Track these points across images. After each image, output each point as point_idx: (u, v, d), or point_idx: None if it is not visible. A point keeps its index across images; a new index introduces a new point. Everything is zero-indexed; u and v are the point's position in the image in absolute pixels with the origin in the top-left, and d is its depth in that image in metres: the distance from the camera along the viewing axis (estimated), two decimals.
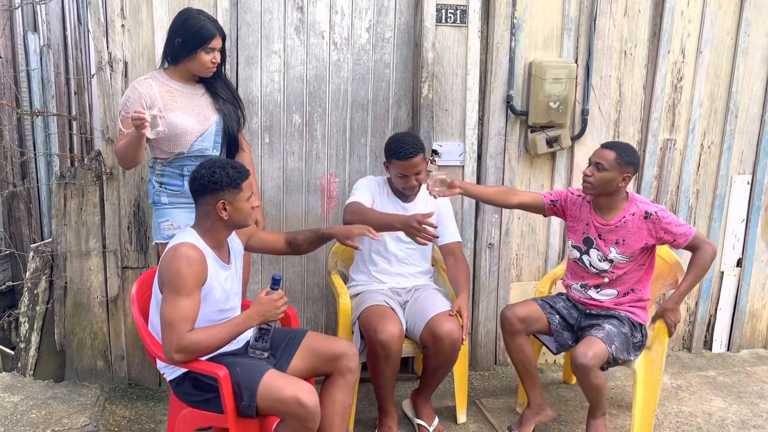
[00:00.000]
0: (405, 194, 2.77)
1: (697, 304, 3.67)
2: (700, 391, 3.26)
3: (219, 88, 2.54)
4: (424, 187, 2.85)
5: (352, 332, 2.70)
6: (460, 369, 2.78)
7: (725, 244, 3.63)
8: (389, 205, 2.76)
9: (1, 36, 3.41)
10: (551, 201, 2.77)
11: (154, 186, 2.52)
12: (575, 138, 3.26)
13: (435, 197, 2.61)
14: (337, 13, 3.04)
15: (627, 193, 2.64)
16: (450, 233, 2.84)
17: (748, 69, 3.43)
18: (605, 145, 2.60)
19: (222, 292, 2.15)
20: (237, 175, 2.07)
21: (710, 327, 3.73)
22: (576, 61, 3.19)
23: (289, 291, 3.20)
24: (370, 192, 2.74)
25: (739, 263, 3.67)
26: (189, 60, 2.43)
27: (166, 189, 2.50)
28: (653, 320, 2.65)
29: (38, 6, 3.78)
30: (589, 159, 2.61)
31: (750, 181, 3.59)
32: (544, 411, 2.72)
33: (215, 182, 2.04)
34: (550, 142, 3.17)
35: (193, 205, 2.16)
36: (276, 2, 2.98)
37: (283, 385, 1.99)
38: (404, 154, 2.62)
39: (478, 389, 3.20)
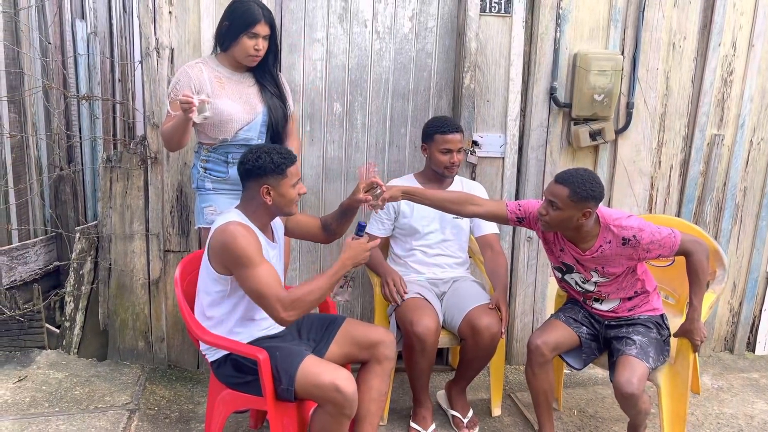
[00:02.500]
0: (445, 175, 2.76)
1: (741, 304, 3.58)
2: (742, 393, 3.18)
3: (267, 81, 2.54)
4: (458, 178, 2.83)
5: (389, 322, 2.70)
6: (496, 362, 2.76)
7: None
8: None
9: (51, 23, 3.48)
10: (517, 218, 2.48)
11: (198, 171, 2.55)
12: (619, 131, 3.20)
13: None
14: (380, 2, 3.03)
15: (597, 215, 2.35)
16: (487, 224, 2.82)
17: None
18: (558, 179, 2.29)
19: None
20: (282, 161, 2.08)
21: (754, 328, 3.64)
22: (622, 53, 3.12)
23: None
24: (394, 207, 2.78)
25: None
26: (234, 45, 2.44)
27: (210, 174, 2.54)
28: (676, 336, 2.46)
29: None
30: (543, 193, 2.38)
31: None
32: None
33: (260, 167, 2.06)
34: (593, 135, 3.12)
35: (237, 192, 2.19)
36: None
37: (321, 370, 2.01)
38: (447, 128, 2.70)
39: (513, 383, 3.18)
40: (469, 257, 2.96)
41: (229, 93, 2.47)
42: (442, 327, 2.68)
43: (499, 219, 2.53)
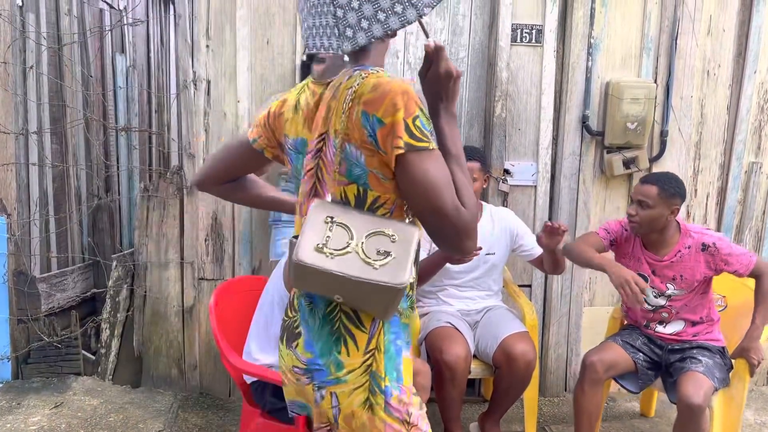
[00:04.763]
0: None
1: None
2: None
3: None
4: (487, 206, 2.80)
5: (419, 351, 2.68)
6: (530, 394, 2.71)
7: None
8: None
9: (93, 57, 3.61)
10: (610, 242, 2.59)
11: None
12: (653, 160, 3.17)
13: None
14: (411, 34, 3.08)
15: (678, 223, 2.48)
16: (537, 248, 2.76)
17: None
18: (645, 180, 2.43)
19: None
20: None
21: None
22: (655, 81, 3.11)
23: None
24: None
25: None
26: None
27: None
28: (733, 356, 2.47)
29: (126, 29, 4.00)
30: (630, 197, 2.46)
31: None
32: None
33: None
34: (626, 164, 3.09)
35: None
36: None
37: None
38: (474, 154, 2.66)
39: (547, 415, 3.12)
40: (504, 288, 2.93)
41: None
42: (475, 357, 2.66)
43: (599, 251, 2.57)
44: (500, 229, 2.78)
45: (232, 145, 1.54)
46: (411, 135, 1.20)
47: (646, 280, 2.51)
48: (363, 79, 1.24)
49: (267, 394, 2.15)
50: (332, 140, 1.26)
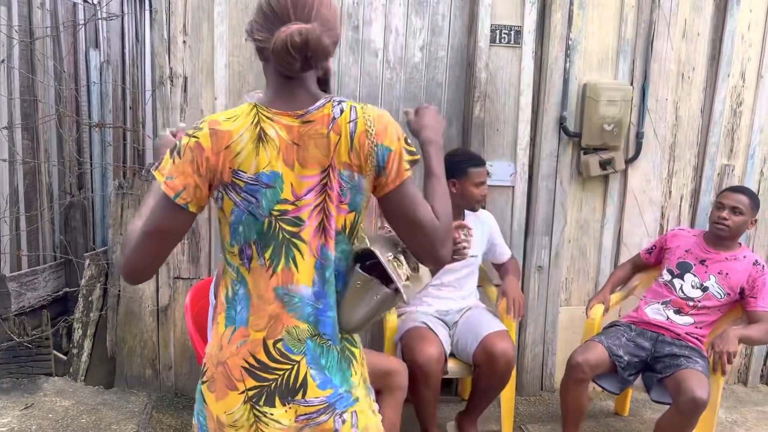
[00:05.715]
0: (475, 208, 2.74)
1: None
2: (756, 427, 3.12)
3: None
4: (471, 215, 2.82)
5: (395, 351, 2.68)
6: (506, 393, 2.72)
7: None
8: None
9: (66, 52, 3.54)
10: (647, 251, 2.97)
11: None
12: (629, 161, 3.20)
13: None
14: (391, 33, 3.07)
15: (740, 243, 2.78)
16: (506, 251, 2.92)
17: None
18: (736, 190, 2.70)
19: None
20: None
21: (767, 360, 3.59)
22: (631, 84, 3.14)
23: None
24: None
25: None
26: None
27: None
28: (708, 351, 2.57)
29: (100, 24, 3.93)
30: (722, 203, 2.68)
31: None
32: None
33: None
34: (603, 165, 3.12)
35: None
36: None
37: None
38: (479, 162, 2.71)
39: (523, 415, 3.13)
40: (479, 286, 2.95)
41: None
42: (454, 356, 2.66)
43: (639, 269, 3.02)
44: (482, 231, 2.81)
45: (157, 221, 1.26)
46: (409, 154, 1.33)
47: (689, 268, 2.72)
48: (358, 111, 1.30)
49: None
50: (339, 172, 1.29)
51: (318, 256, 1.30)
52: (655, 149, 3.24)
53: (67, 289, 3.33)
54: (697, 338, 2.67)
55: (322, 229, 1.30)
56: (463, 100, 3.17)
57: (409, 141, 1.34)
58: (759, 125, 3.32)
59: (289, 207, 1.28)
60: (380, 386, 2.26)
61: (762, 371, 3.60)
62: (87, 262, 3.07)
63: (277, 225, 1.28)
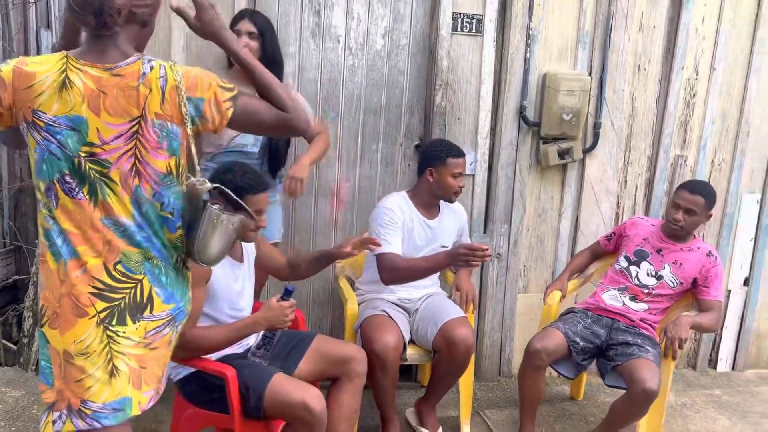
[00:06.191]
0: (452, 200, 2.74)
1: None
2: (705, 410, 3.23)
3: None
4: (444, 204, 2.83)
5: (356, 338, 2.68)
6: (465, 379, 2.75)
7: (733, 263, 3.61)
8: (417, 226, 2.71)
9: (16, 32, 3.40)
10: (606, 238, 3.03)
11: None
12: (587, 151, 3.26)
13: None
14: (353, 19, 3.05)
15: (694, 235, 2.84)
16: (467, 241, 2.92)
17: (761, 88, 3.43)
18: (694, 190, 2.70)
19: (231, 291, 2.13)
20: (243, 186, 1.99)
21: (716, 346, 3.71)
22: (590, 74, 3.19)
23: (294, 295, 3.18)
24: (401, 222, 2.66)
25: (746, 282, 3.66)
26: None
27: None
28: (660, 337, 2.64)
29: (52, 2, 3.79)
30: (678, 204, 2.70)
31: (759, 200, 3.58)
32: None
33: (236, 188, 2.03)
34: (561, 154, 3.17)
35: None
36: (293, 6, 2.98)
37: (290, 389, 1.98)
38: (458, 152, 2.68)
39: (482, 400, 3.18)
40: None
41: None
42: (414, 343, 2.68)
43: (597, 257, 3.08)
44: (453, 222, 2.84)
45: None
46: (227, 91, 1.53)
47: (645, 256, 2.79)
48: (167, 69, 1.47)
49: (194, 387, 2.10)
50: (152, 122, 1.46)
51: (132, 194, 1.48)
52: (611, 139, 3.29)
53: (17, 277, 3.22)
54: (650, 324, 2.74)
55: (136, 171, 1.47)
56: (424, 87, 3.17)
57: (223, 81, 1.54)
58: (711, 117, 3.41)
59: (97, 150, 1.44)
60: (339, 373, 2.26)
61: (710, 356, 3.72)
62: (38, 248, 2.98)
63: (86, 165, 1.45)
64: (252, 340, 2.26)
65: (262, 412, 1.98)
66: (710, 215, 2.75)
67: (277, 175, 2.67)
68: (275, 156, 2.61)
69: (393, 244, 2.58)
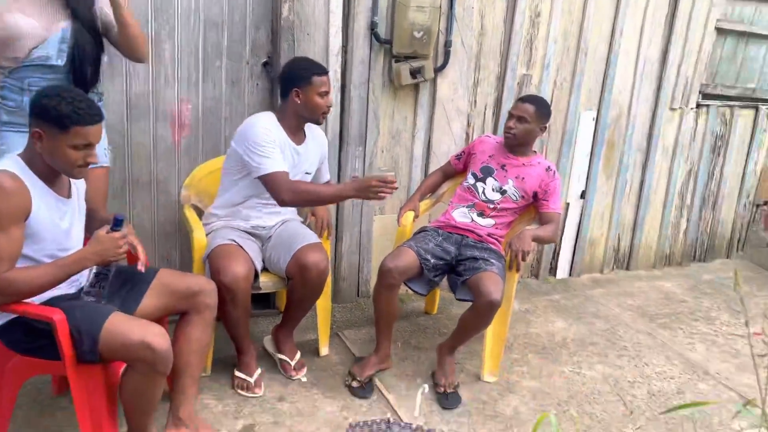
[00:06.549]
0: (320, 121, 2.61)
1: None
2: (545, 314, 3.50)
3: None
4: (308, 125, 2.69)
5: (204, 271, 2.55)
6: (322, 303, 2.74)
7: (572, 177, 3.85)
8: (287, 151, 2.55)
9: None
10: (457, 157, 3.07)
11: None
12: (438, 70, 3.24)
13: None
14: None
15: (535, 151, 2.93)
16: (327, 175, 2.87)
17: (599, 8, 3.57)
18: (525, 100, 2.82)
19: (57, 231, 1.91)
20: (69, 115, 1.78)
21: (555, 255, 4.00)
22: None
23: (137, 226, 2.96)
24: (278, 144, 2.50)
25: (582, 195, 3.93)
26: None
27: (4, 105, 2.21)
28: (506, 249, 2.77)
29: None
30: (511, 113, 2.81)
31: (595, 117, 3.80)
32: (387, 360, 2.75)
33: (42, 113, 1.78)
34: (414, 73, 3.13)
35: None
36: None
37: (129, 329, 1.83)
38: (322, 69, 2.54)
39: (340, 322, 3.20)
40: None
41: (23, 4, 2.17)
42: (267, 270, 2.60)
43: (449, 176, 3.13)
44: (317, 148, 2.73)
45: None
46: None
47: (491, 172, 2.86)
48: None
49: (17, 335, 1.89)
50: None
51: None
52: (462, 58, 3.30)
53: None
54: (496, 239, 2.86)
55: None
56: (270, 0, 2.95)
57: None
58: (554, 36, 3.51)
59: None
60: (187, 307, 2.15)
61: (551, 265, 4.01)
62: None
63: None
64: (85, 279, 2.05)
65: (98, 355, 1.82)
66: (544, 127, 2.83)
67: (90, 92, 2.37)
68: (81, 71, 2.30)
69: (280, 162, 2.46)
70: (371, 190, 2.34)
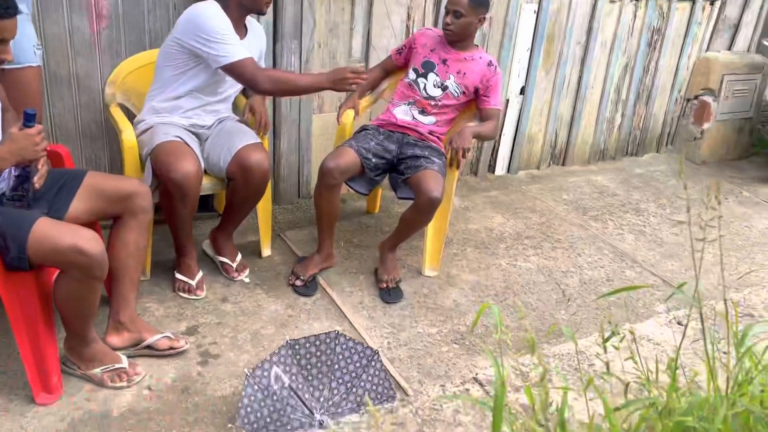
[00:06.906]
0: (263, 12, 2.44)
1: None
2: (483, 210, 3.57)
3: None
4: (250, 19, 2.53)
5: (142, 171, 2.44)
6: (263, 204, 2.70)
7: (512, 73, 3.82)
8: None
9: None
10: (398, 51, 2.96)
11: None
12: None
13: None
14: None
15: (476, 45, 2.86)
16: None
17: None
18: None
19: None
20: None
21: (494, 152, 4.04)
22: None
23: (60, 128, 2.78)
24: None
25: (522, 91, 3.92)
26: None
27: None
28: (446, 146, 2.76)
29: None
30: (447, 8, 2.71)
31: (536, 11, 3.73)
32: (330, 259, 2.78)
33: None
34: None
35: None
36: None
37: (58, 233, 1.75)
38: None
39: (282, 223, 3.18)
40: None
41: None
42: (205, 172, 2.52)
43: (390, 73, 3.04)
44: (257, 43, 2.59)
45: None
46: None
47: (432, 68, 2.79)
48: None
49: None
50: None
51: None
52: None
53: None
54: (437, 137, 2.84)
55: None
56: None
57: None
58: None
59: None
60: (120, 210, 2.08)
61: (490, 162, 4.05)
62: None
63: None
64: (5, 184, 1.93)
65: (27, 262, 1.75)
66: (483, 18, 2.73)
67: None
68: None
69: (244, 49, 2.33)
70: (346, 81, 2.31)
